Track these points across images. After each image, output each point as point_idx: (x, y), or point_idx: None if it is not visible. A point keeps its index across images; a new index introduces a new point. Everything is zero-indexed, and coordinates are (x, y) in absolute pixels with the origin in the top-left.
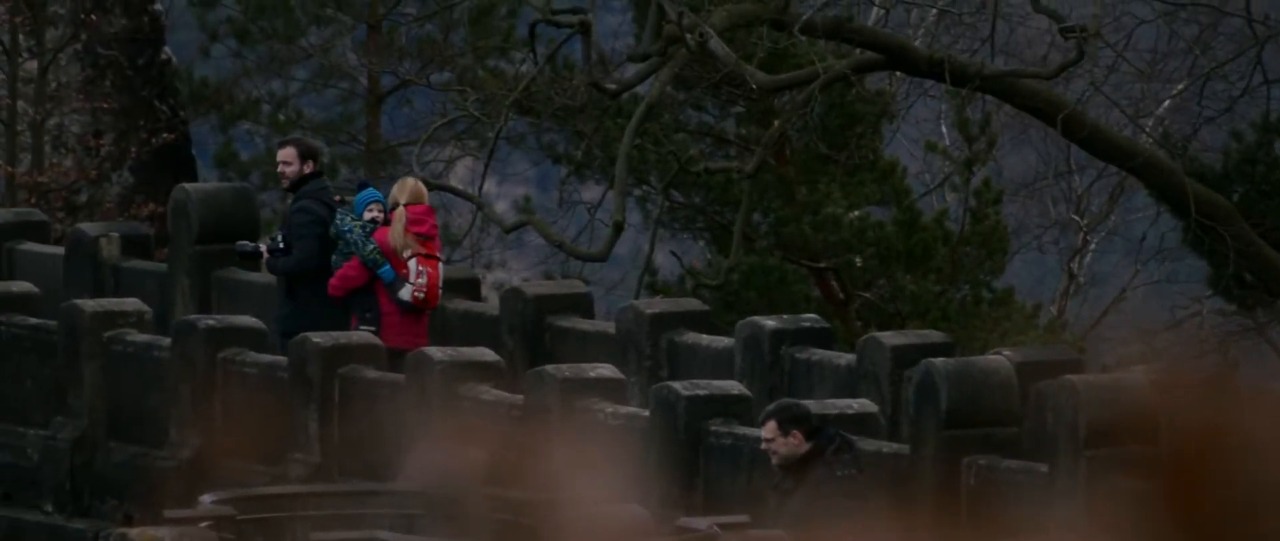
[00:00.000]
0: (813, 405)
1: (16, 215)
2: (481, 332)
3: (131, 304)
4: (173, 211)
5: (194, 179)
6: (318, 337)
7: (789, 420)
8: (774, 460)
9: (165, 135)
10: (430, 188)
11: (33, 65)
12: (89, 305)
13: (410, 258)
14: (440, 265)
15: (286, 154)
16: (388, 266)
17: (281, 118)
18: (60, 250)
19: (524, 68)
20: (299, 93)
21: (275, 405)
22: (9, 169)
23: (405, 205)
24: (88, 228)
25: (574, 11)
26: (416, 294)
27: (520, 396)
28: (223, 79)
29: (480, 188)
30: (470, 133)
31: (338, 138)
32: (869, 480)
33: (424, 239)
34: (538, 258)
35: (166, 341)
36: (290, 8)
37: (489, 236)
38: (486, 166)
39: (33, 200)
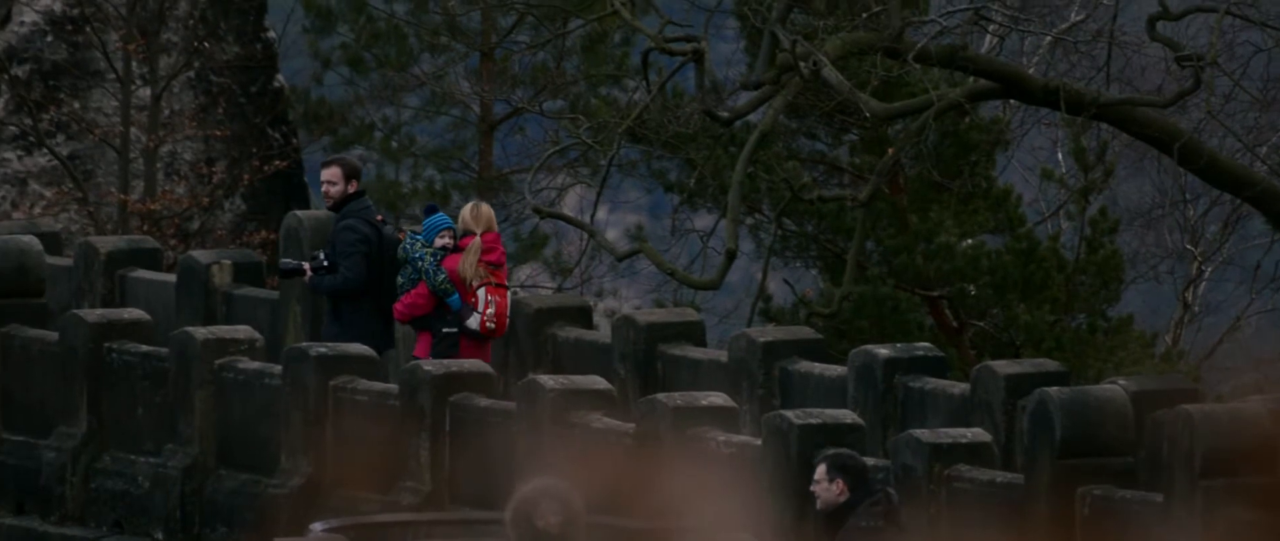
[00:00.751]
0: (874, 459)
1: (129, 243)
2: (593, 361)
3: (243, 331)
4: (284, 238)
5: (306, 206)
6: (429, 365)
7: (837, 467)
8: (816, 504)
9: (277, 162)
10: (542, 216)
11: (146, 93)
12: (200, 332)
13: (479, 286)
14: (509, 294)
15: (331, 173)
16: (456, 295)
17: (394, 145)
18: (172, 277)
19: (636, 95)
20: (411, 120)
21: (386, 432)
22: (122, 196)
23: (481, 234)
24: (199, 255)
25: (687, 39)
26: (486, 323)
27: (632, 425)
28: (335, 106)
29: (592, 215)
30: (582, 160)
31: (450, 165)
32: (897, 535)
33: (493, 267)
34: (650, 285)
35: (278, 369)
36: (404, 35)
37: (601, 264)
38: (599, 194)
39: (145, 228)
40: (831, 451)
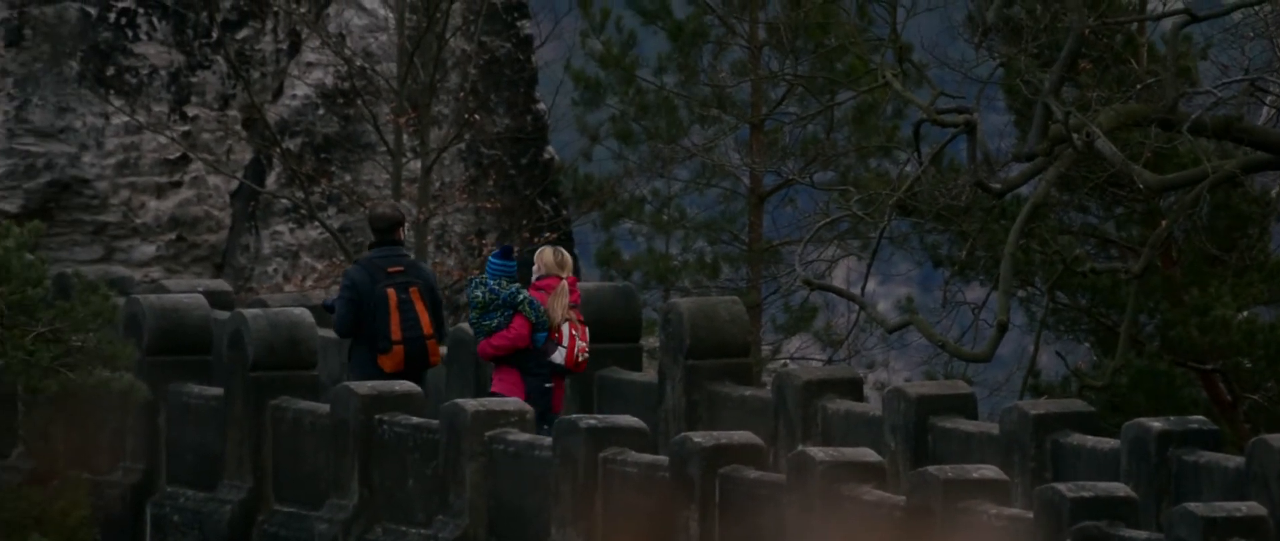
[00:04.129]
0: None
1: None
2: (864, 433)
3: (513, 403)
4: None
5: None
6: (698, 437)
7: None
8: None
9: (547, 234)
10: (812, 287)
11: (417, 165)
12: (471, 404)
13: (563, 322)
14: (587, 332)
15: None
16: (543, 333)
17: (664, 217)
18: (442, 350)
19: (907, 167)
20: (681, 192)
21: (656, 504)
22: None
23: (566, 278)
24: (469, 327)
25: (959, 111)
26: (574, 358)
27: (903, 497)
28: (605, 178)
29: (862, 288)
30: (853, 232)
31: (720, 237)
32: None
33: (574, 307)
34: (920, 358)
35: (548, 441)
36: (673, 107)
37: (871, 336)
38: (869, 267)
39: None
40: (1082, 525)
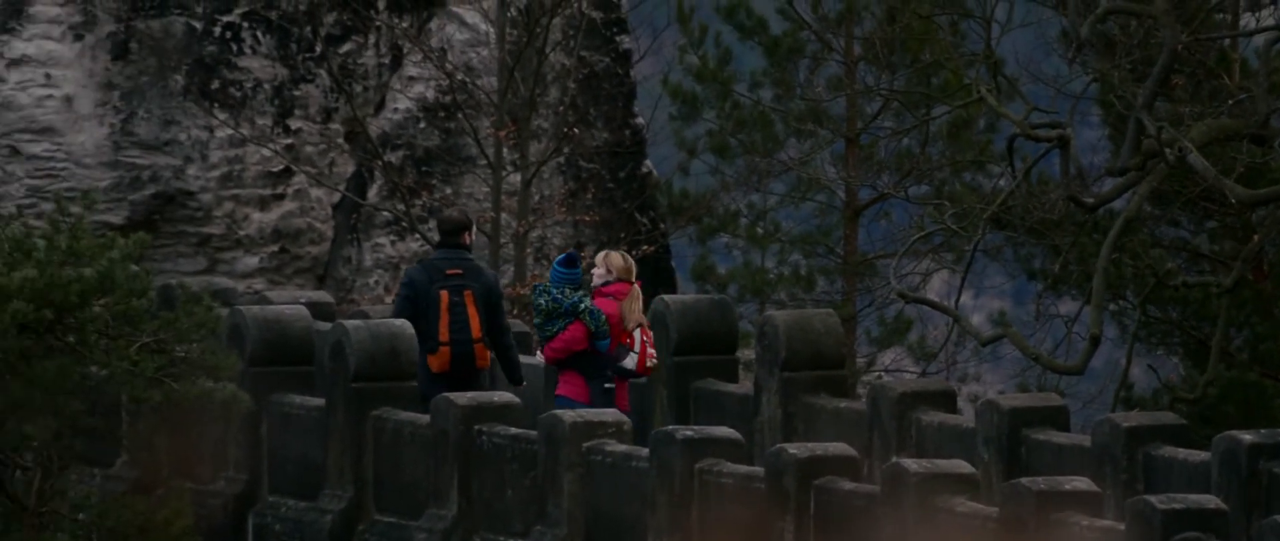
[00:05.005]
0: None
1: None
2: (957, 445)
3: (611, 415)
4: (652, 323)
5: (673, 291)
6: (794, 448)
7: None
8: None
9: (645, 247)
10: (907, 300)
11: (516, 178)
12: (569, 416)
13: (634, 327)
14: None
15: None
16: (607, 341)
17: (759, 230)
18: (541, 360)
19: (1001, 181)
20: (776, 206)
21: (751, 516)
22: None
23: (634, 282)
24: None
25: (1053, 126)
26: (644, 363)
27: (996, 509)
28: (702, 192)
29: (956, 301)
30: (947, 246)
31: (815, 250)
32: None
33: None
34: (1013, 370)
35: (644, 452)
36: (769, 122)
37: (964, 349)
38: (963, 280)
39: (515, 312)
40: (1174, 537)
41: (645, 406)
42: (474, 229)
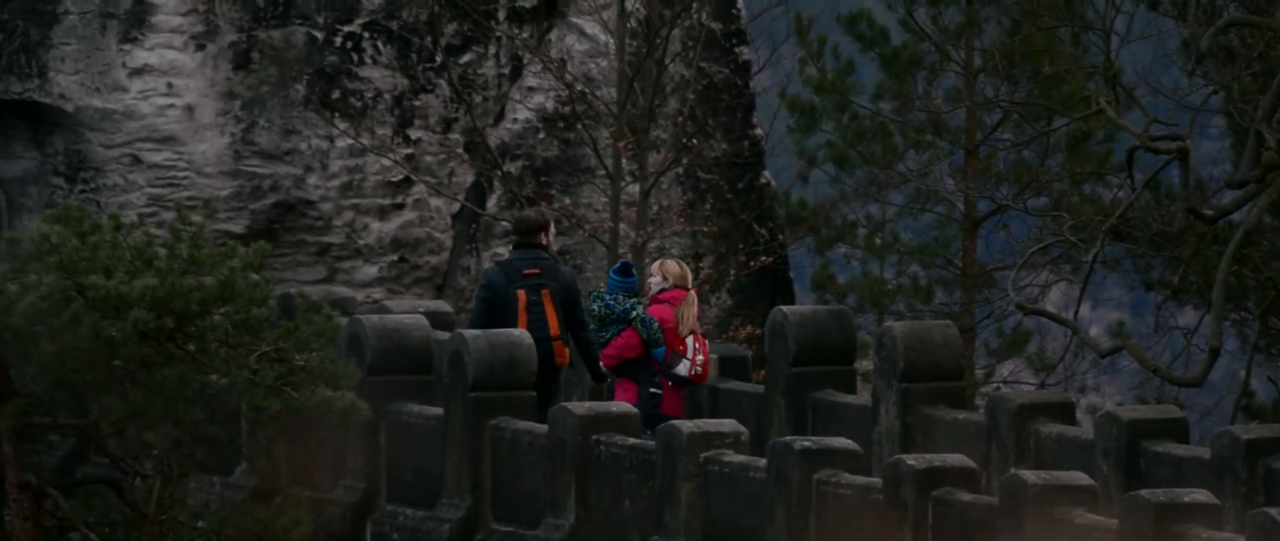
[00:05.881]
0: None
1: None
2: (1075, 457)
3: (728, 425)
4: (770, 333)
5: (791, 302)
6: (912, 460)
7: None
8: None
9: (763, 258)
10: (1025, 312)
11: (635, 189)
12: (686, 426)
13: (687, 335)
14: (708, 344)
15: None
16: (662, 348)
17: (878, 241)
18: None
19: (1120, 193)
20: (895, 217)
21: (869, 527)
22: None
23: (690, 290)
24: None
25: (1172, 138)
26: (693, 369)
27: (1115, 521)
28: (820, 203)
29: (1075, 312)
30: (1065, 257)
31: (934, 261)
32: None
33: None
34: (1132, 382)
35: (762, 462)
36: (888, 133)
37: (1083, 361)
38: (1082, 292)
39: None
40: None
41: (763, 417)
42: (552, 229)
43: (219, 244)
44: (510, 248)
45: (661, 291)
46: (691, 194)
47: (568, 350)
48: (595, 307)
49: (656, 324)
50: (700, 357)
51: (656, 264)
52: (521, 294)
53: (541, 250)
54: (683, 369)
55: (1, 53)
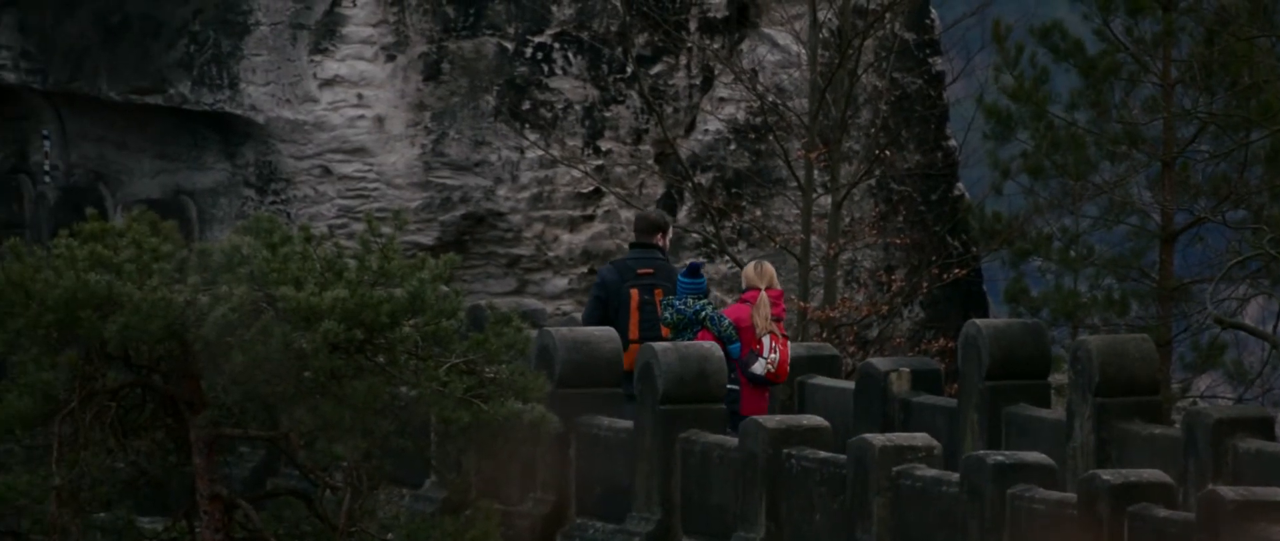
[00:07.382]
0: None
1: (809, 349)
2: (1275, 472)
3: (921, 438)
4: (963, 347)
5: (985, 315)
6: (1108, 474)
7: None
8: None
9: (956, 271)
10: (1223, 326)
11: (827, 200)
12: (878, 439)
13: (763, 334)
14: (788, 343)
15: None
16: (737, 344)
17: (1072, 254)
18: (850, 384)
19: None
20: (1090, 229)
21: None
22: (802, 303)
23: (765, 290)
24: (878, 362)
25: None
26: (768, 368)
27: None
28: (1015, 214)
29: (1274, 326)
30: (1264, 271)
31: (1129, 274)
32: None
33: (776, 319)
34: None
35: (954, 477)
36: (1084, 144)
37: None
38: None
39: (824, 335)
40: None
41: (955, 431)
42: (670, 230)
43: (409, 256)
44: (627, 246)
45: (742, 294)
46: (884, 205)
47: None
48: (667, 315)
49: (728, 321)
50: (774, 355)
51: (747, 266)
52: (634, 293)
53: (657, 250)
54: (759, 367)
55: (193, 64)
